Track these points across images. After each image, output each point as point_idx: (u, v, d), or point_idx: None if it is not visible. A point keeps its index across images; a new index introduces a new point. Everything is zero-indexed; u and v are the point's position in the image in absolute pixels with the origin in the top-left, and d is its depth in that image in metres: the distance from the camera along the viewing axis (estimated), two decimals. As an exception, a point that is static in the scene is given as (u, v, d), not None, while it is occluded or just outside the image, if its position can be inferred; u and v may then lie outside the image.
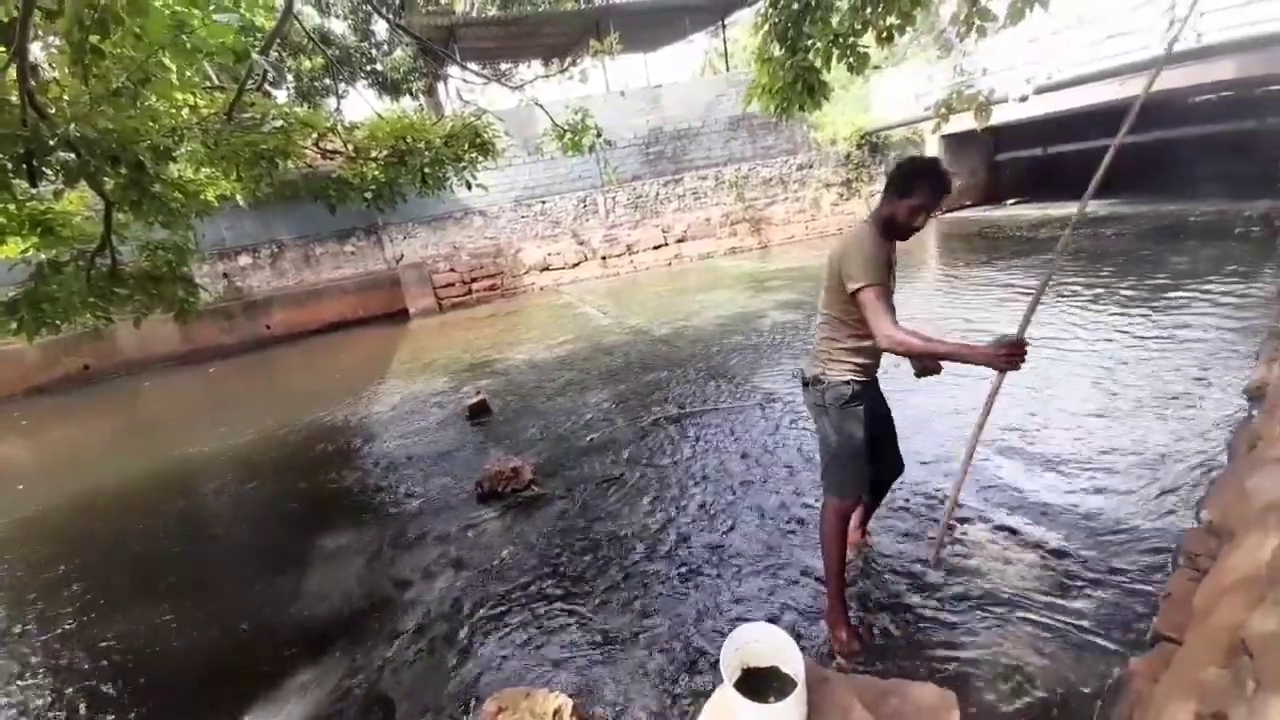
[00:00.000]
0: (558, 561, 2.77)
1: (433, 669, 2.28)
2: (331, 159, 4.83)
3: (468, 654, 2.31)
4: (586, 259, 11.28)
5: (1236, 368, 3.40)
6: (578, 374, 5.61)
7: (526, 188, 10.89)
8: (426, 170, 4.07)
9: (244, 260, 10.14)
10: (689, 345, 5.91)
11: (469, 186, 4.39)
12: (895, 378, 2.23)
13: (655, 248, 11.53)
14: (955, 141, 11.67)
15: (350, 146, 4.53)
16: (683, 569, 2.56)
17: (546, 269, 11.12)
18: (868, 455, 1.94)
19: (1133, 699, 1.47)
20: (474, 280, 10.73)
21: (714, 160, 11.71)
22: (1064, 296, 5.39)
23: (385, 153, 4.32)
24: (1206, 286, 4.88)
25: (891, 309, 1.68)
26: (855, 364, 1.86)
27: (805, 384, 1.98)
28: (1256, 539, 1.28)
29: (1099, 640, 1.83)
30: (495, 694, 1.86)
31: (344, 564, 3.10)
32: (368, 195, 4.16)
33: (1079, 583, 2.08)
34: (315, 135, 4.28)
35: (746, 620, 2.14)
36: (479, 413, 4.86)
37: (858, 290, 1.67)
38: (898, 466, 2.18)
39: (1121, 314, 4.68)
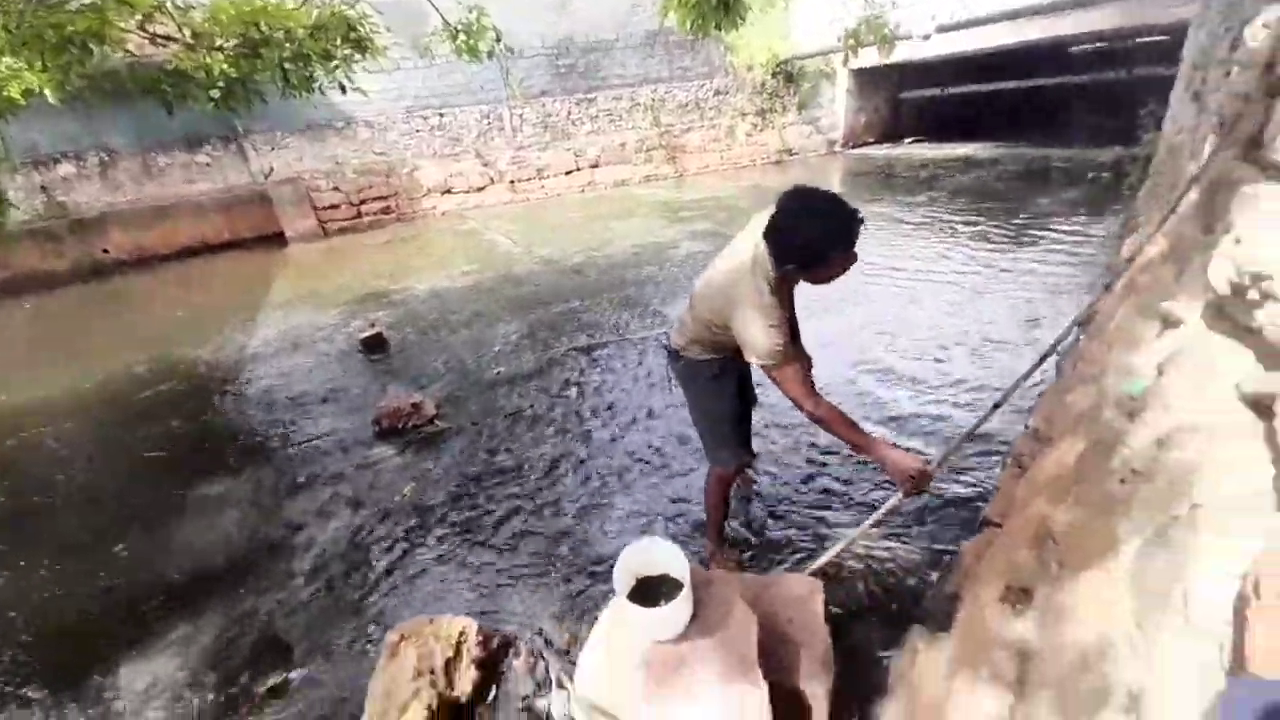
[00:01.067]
0: (462, 494, 2.74)
1: (331, 608, 2.22)
2: (164, 46, 3.96)
3: (369, 591, 2.27)
4: (493, 182, 10.51)
5: (1075, 298, 3.91)
6: (484, 305, 5.36)
7: (419, 96, 9.71)
8: (288, 66, 3.45)
9: (66, 170, 8.35)
10: (601, 275, 5.81)
11: (343, 90, 3.81)
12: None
13: (568, 173, 10.96)
14: (864, 77, 11.87)
15: (187, 31, 3.73)
16: (587, 495, 2.63)
17: (448, 192, 10.25)
18: (737, 419, 1.90)
19: (961, 574, 1.75)
20: (363, 202, 9.67)
21: (629, 79, 11.07)
22: (940, 232, 5.85)
23: (234, 42, 3.60)
24: (1059, 226, 5.50)
25: (807, 375, 1.52)
26: (720, 350, 1.76)
27: (669, 353, 1.88)
28: (1068, 444, 1.51)
29: (941, 528, 2.15)
30: (398, 624, 1.85)
31: (224, 511, 2.86)
32: (214, 94, 3.48)
33: (919, 495, 2.39)
34: (139, 16, 3.46)
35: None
36: (374, 346, 4.54)
37: (767, 367, 1.49)
38: (751, 399, 2.16)
39: (987, 249, 5.18)
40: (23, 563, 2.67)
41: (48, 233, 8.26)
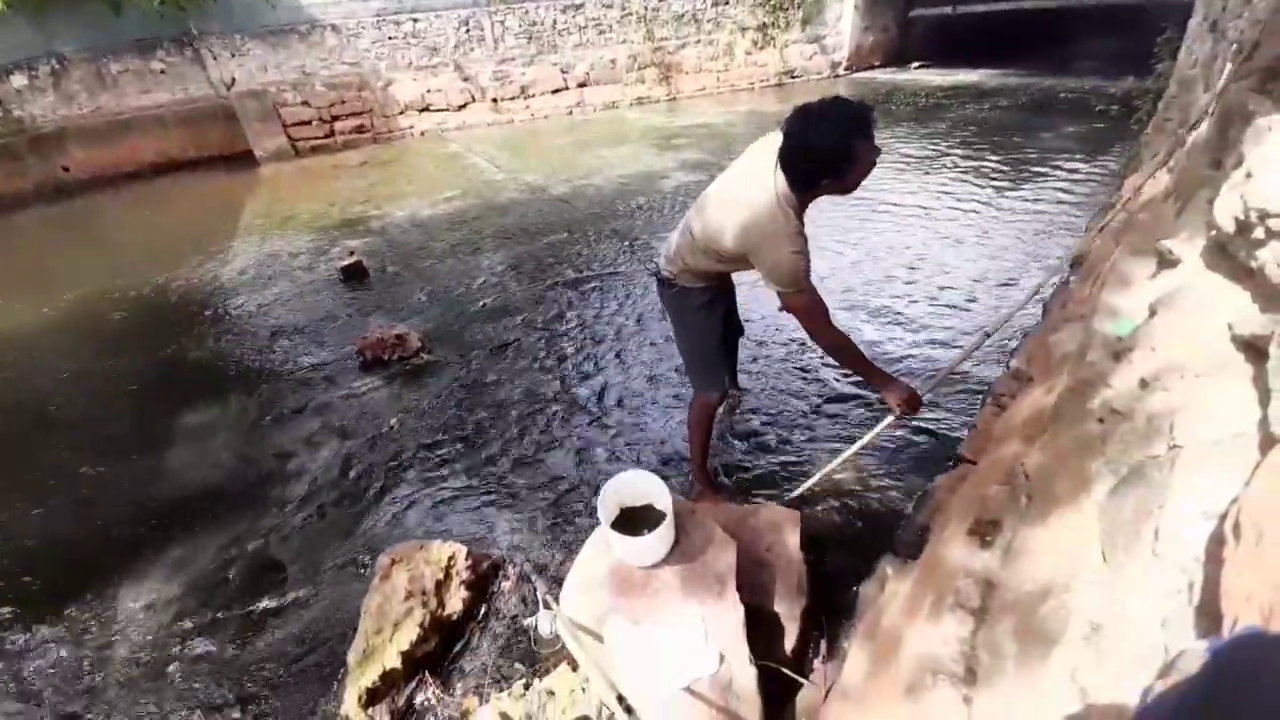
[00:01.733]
0: (450, 425, 2.76)
1: (324, 532, 2.27)
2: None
3: (360, 517, 2.32)
4: (474, 100, 9.85)
5: (1069, 239, 3.86)
6: (467, 234, 5.18)
7: (390, -2, 8.86)
8: (239, -46, 3.08)
9: (19, 81, 7.61)
10: (589, 205, 5.60)
11: (303, -15, 3.43)
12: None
13: (554, 91, 10.28)
14: (873, -11, 11.04)
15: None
16: (573, 427, 2.66)
17: (426, 109, 9.61)
18: (723, 348, 1.95)
19: (933, 506, 1.82)
20: (335, 119, 9.04)
21: (619, -17, 10.14)
22: (940, 166, 5.67)
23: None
24: (1061, 162, 5.34)
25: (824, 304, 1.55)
26: (712, 280, 1.78)
27: (659, 281, 1.86)
28: (1048, 385, 1.52)
29: (917, 461, 2.22)
30: (389, 549, 1.91)
31: (212, 440, 2.87)
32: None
33: (910, 418, 2.44)
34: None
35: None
36: (353, 275, 4.40)
37: (790, 295, 1.49)
38: (739, 328, 2.25)
39: (987, 186, 5.04)
40: (7, 489, 2.68)
41: (7, 150, 7.69)
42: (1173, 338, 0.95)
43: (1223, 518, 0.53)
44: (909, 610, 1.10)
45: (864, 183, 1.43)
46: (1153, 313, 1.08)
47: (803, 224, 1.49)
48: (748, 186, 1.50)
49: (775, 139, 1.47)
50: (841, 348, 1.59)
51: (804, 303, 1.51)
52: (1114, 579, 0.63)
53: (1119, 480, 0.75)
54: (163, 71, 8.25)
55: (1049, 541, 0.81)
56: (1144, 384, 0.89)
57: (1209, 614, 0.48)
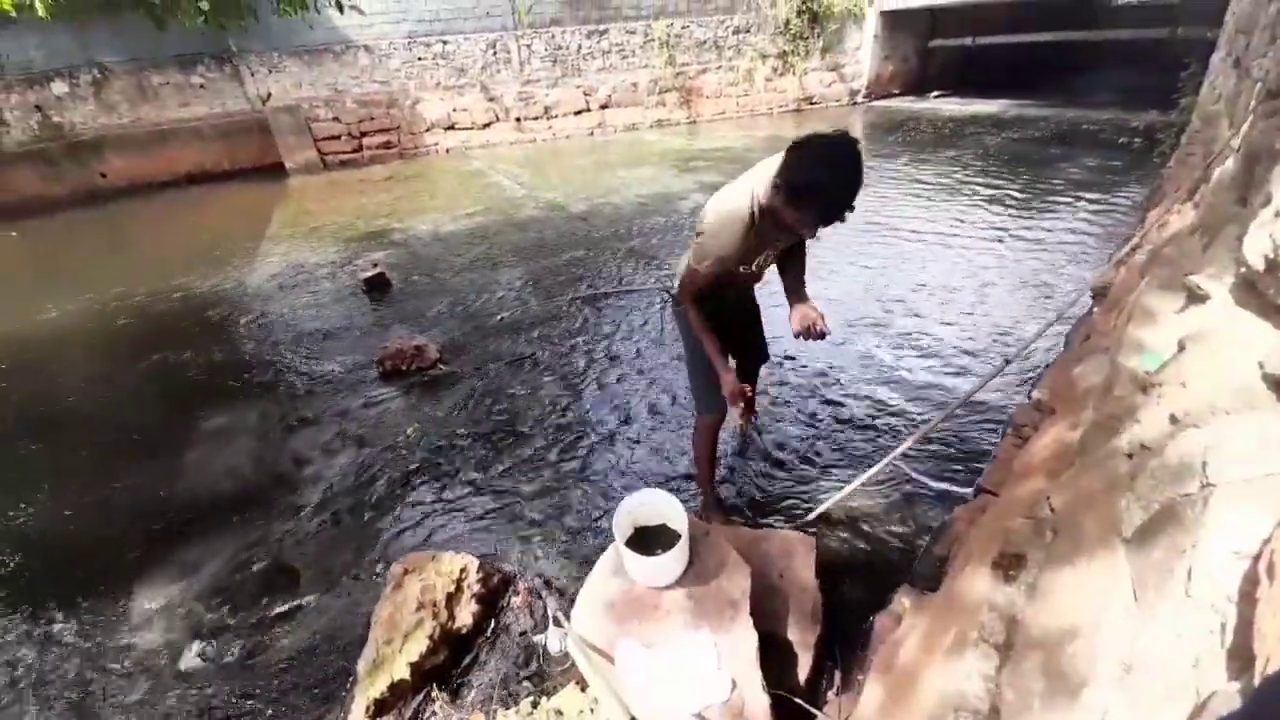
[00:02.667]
0: (465, 437, 2.78)
1: (338, 539, 2.29)
2: (151, -51, 3.71)
3: (374, 525, 2.34)
4: (498, 119, 10.10)
5: (1091, 269, 3.83)
6: (488, 249, 5.28)
7: (421, 20, 9.18)
8: (284, -21, 3.24)
9: (59, 88, 7.99)
10: (607, 224, 5.69)
11: (340, 8, 3.59)
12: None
13: (577, 113, 10.53)
14: (893, 20, 11.21)
15: (175, -67, 3.48)
16: (588, 444, 2.66)
17: (452, 128, 9.88)
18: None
19: (952, 538, 1.78)
20: (364, 134, 9.33)
21: (644, 11, 10.42)
22: (959, 194, 5.67)
23: (226, -52, 3.37)
24: (1083, 193, 5.32)
25: (704, 286, 1.64)
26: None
27: (672, 299, 1.87)
28: (1072, 419, 1.51)
29: (935, 492, 2.18)
30: (402, 558, 1.92)
31: (230, 444, 2.91)
32: (203, 5, 3.28)
33: (929, 446, 2.42)
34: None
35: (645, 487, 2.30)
36: (376, 286, 4.50)
37: (692, 270, 1.62)
38: (761, 354, 2.20)
39: (1006, 215, 5.03)
40: (28, 488, 2.73)
41: (44, 155, 8.03)
42: (1203, 374, 0.94)
43: (1256, 557, 0.52)
44: (928, 645, 1.08)
45: (809, 233, 1.42)
46: (1182, 348, 1.07)
47: (759, 238, 1.51)
48: (735, 188, 1.55)
49: (774, 160, 1.49)
50: (692, 325, 1.70)
51: (695, 285, 1.63)
52: (1145, 618, 0.62)
53: (1149, 518, 0.74)
54: (202, 86, 8.61)
55: (1077, 579, 0.80)
56: (1174, 420, 0.88)
57: (1241, 655, 0.47)
